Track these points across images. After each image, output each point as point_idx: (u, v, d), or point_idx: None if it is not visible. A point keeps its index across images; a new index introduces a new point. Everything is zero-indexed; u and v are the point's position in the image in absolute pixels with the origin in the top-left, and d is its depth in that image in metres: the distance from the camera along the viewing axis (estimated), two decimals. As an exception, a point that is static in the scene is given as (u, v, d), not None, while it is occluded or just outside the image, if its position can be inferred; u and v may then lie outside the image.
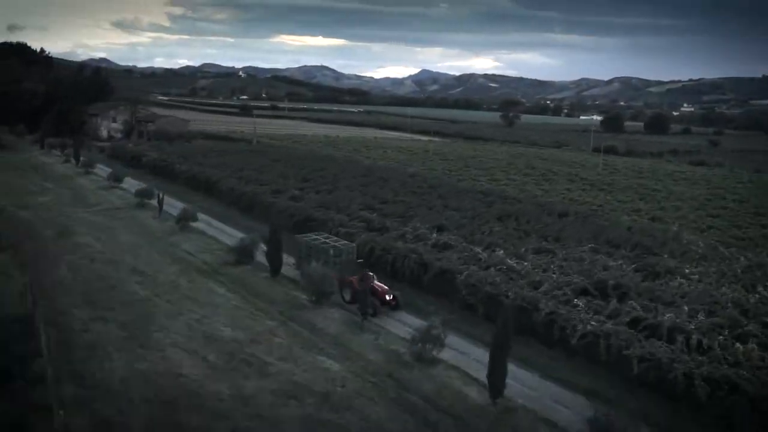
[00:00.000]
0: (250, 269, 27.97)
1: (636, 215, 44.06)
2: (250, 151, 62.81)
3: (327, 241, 28.43)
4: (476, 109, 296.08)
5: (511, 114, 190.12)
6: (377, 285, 25.10)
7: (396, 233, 32.07)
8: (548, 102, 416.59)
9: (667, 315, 21.95)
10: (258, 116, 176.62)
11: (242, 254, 28.30)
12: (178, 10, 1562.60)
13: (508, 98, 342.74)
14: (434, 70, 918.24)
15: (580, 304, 22.68)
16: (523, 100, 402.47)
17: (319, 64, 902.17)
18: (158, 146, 61.71)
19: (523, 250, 30.10)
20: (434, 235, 31.46)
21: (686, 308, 22.74)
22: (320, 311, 23.75)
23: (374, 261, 29.01)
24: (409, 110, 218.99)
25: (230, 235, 34.22)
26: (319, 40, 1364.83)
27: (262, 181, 43.86)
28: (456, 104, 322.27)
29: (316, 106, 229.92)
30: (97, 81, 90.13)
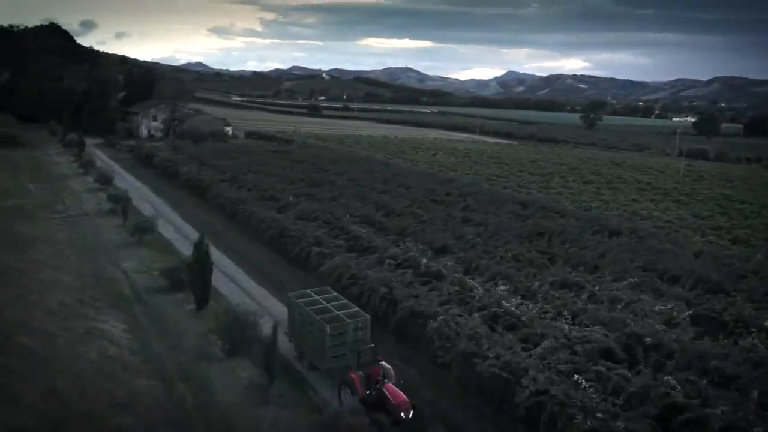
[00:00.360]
0: (182, 297, 22.28)
1: (713, 235, 35.16)
2: (275, 151, 57.92)
3: (329, 304, 18.60)
4: (560, 111, 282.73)
5: (592, 115, 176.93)
6: (391, 391, 15.41)
7: (380, 256, 25.45)
8: (640, 103, 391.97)
9: (721, 408, 14.23)
10: (327, 116, 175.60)
11: (172, 279, 22.65)
12: (269, 16, 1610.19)
13: (595, 99, 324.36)
14: (521, 72, 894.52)
15: (583, 381, 15.17)
16: (613, 101, 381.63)
17: (403, 66, 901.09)
18: (180, 146, 58.15)
19: (537, 284, 22.72)
20: (425, 260, 24.53)
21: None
22: (228, 364, 17.65)
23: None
24: (487, 111, 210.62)
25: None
26: (405, 43, 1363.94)
27: (261, 186, 38.35)
28: (538, 105, 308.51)
29: (389, 107, 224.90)
30: (145, 80, 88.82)
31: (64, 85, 70.11)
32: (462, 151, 76.22)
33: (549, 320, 19.32)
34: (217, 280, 22.78)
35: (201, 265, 20.91)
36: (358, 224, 30.43)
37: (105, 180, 40.13)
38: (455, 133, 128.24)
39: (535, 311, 19.95)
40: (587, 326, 18.88)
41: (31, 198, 36.77)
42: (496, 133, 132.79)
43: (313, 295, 19.47)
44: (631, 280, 23.77)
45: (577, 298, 21.65)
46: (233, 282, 25.01)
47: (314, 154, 56.51)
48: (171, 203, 38.82)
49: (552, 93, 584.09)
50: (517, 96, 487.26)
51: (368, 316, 18.49)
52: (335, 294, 20.04)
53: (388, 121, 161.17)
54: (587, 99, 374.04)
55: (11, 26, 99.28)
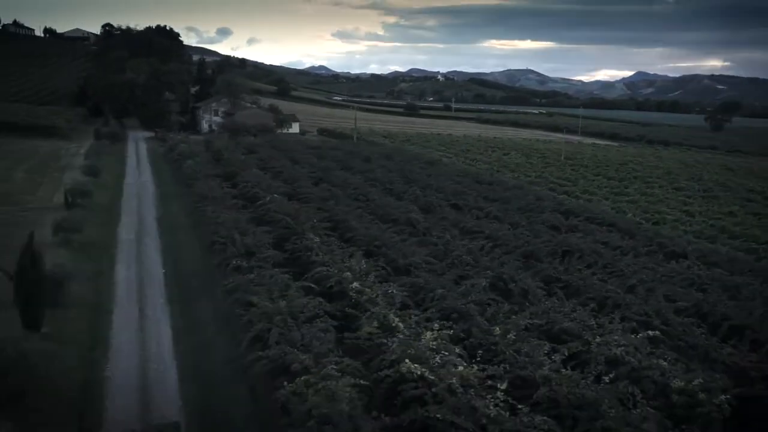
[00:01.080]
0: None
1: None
2: (315, 147, 52.61)
3: None
4: (688, 113, 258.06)
5: (719, 116, 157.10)
6: None
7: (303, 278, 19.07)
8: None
9: None
10: (425, 116, 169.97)
11: None
12: (392, 19, 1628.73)
13: (729, 100, 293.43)
14: (651, 72, 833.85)
15: None
16: (756, 103, 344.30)
17: (524, 68, 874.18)
18: (210, 139, 54.74)
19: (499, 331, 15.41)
20: (355, 284, 17.80)
21: None
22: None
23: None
24: (603, 113, 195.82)
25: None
26: (527, 44, 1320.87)
27: (251, 181, 32.94)
28: (662, 107, 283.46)
29: (494, 108, 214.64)
30: (212, 76, 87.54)
31: (123, 78, 69.68)
32: (540, 152, 67.21)
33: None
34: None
35: (27, 275, 15.69)
36: (323, 231, 24.13)
37: (92, 172, 36.80)
38: (554, 134, 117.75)
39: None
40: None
41: (6, 185, 34.06)
42: (600, 135, 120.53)
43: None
44: (652, 334, 15.67)
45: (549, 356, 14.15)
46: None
47: (351, 151, 50.78)
48: (159, 199, 34.65)
49: (685, 95, 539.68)
50: (644, 98, 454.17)
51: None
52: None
53: (487, 122, 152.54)
54: (722, 101, 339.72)
55: (128, 28, 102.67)
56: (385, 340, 14.64)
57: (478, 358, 13.93)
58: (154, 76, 68.15)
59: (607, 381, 13.27)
